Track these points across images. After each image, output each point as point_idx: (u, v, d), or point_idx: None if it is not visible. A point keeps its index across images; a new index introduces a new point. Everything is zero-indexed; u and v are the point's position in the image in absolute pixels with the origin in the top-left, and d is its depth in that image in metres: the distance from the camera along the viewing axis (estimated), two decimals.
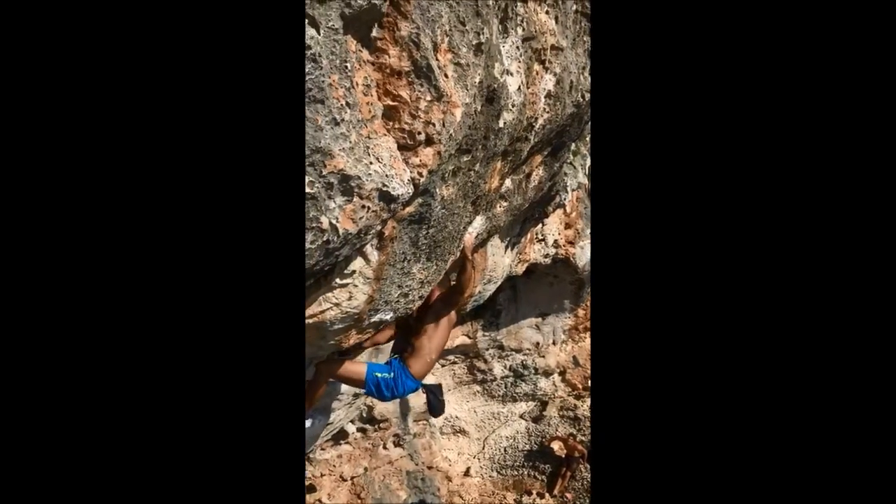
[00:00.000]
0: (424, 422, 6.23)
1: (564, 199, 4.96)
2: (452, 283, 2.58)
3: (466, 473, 6.50)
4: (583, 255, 5.45)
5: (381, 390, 2.37)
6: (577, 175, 5.40)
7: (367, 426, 5.49)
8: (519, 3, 2.10)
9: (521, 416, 6.77)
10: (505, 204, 2.79)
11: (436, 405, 2.60)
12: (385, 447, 5.73)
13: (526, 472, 6.58)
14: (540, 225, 4.88)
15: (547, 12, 2.33)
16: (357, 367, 2.39)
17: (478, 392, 6.67)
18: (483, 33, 1.71)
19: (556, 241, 5.17)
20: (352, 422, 5.23)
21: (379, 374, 2.36)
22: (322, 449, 5.06)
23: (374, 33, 1.42)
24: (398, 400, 5.61)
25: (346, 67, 1.31)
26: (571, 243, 5.33)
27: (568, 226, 5.28)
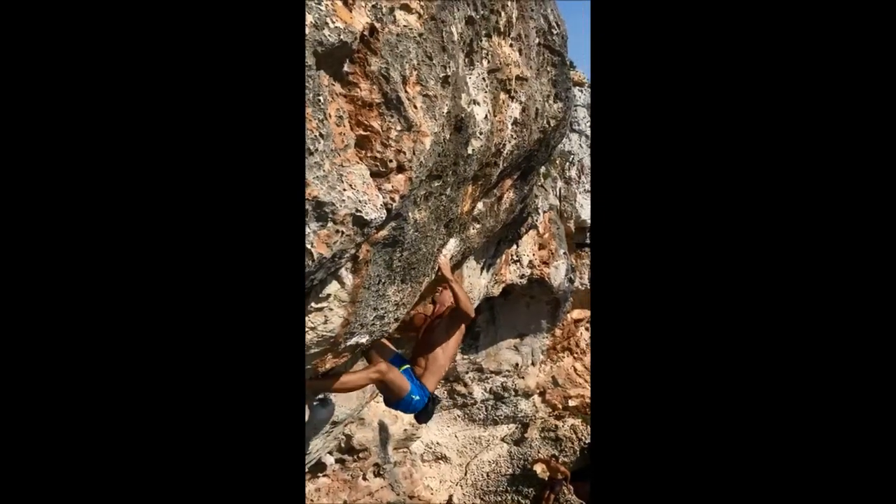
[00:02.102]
0: (405, 450, 6.11)
1: (537, 220, 5.10)
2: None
3: (449, 501, 6.37)
4: (557, 274, 5.57)
5: (407, 408, 2.59)
6: (547, 197, 5.58)
7: (346, 457, 5.35)
8: (483, 38, 2.24)
9: (503, 440, 6.72)
10: (478, 226, 2.87)
11: (430, 413, 2.73)
12: (365, 478, 5.58)
13: (510, 497, 6.49)
14: (514, 246, 5.00)
15: (511, 45, 2.48)
16: (405, 383, 2.54)
17: (458, 416, 6.61)
18: (449, 66, 1.81)
19: (530, 261, 5.29)
20: (330, 453, 5.10)
21: (415, 397, 2.55)
22: None
23: (346, 68, 1.50)
24: (378, 427, 5.52)
25: (320, 100, 1.38)
26: (546, 263, 5.46)
27: (541, 246, 5.42)
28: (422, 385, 2.58)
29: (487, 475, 6.57)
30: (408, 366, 2.66)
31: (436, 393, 2.69)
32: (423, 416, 2.69)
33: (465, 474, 6.57)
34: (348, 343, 2.08)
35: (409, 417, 5.86)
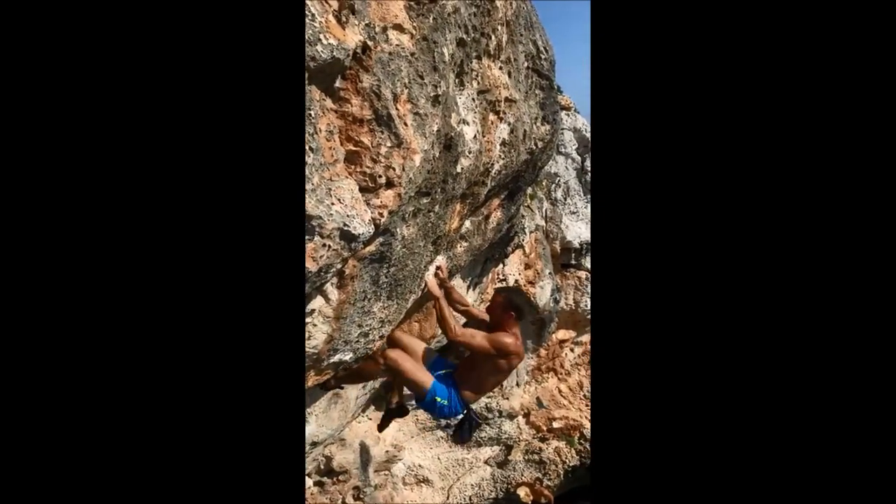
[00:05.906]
0: (386, 472, 5.95)
1: (523, 240, 5.14)
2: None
3: None
4: (543, 294, 5.59)
5: (432, 410, 2.44)
6: (534, 217, 5.64)
7: (325, 479, 5.19)
8: (474, 60, 2.28)
9: (486, 462, 6.60)
10: (465, 244, 2.88)
11: (466, 435, 2.59)
12: (344, 501, 5.41)
13: None
14: (501, 265, 5.01)
15: (500, 68, 2.53)
16: (424, 376, 2.38)
17: (441, 438, 6.48)
18: (440, 86, 1.84)
19: (516, 280, 5.30)
20: (308, 475, 4.94)
21: (438, 399, 2.40)
22: None
23: (338, 84, 1.50)
24: (359, 448, 5.39)
25: (311, 115, 1.38)
26: (532, 283, 5.48)
27: (527, 266, 5.45)
28: (460, 398, 2.41)
29: (470, 499, 6.42)
30: (447, 371, 2.53)
31: (473, 413, 2.52)
32: (459, 436, 2.54)
33: (448, 498, 6.41)
34: (331, 360, 2.04)
35: (390, 438, 5.73)
